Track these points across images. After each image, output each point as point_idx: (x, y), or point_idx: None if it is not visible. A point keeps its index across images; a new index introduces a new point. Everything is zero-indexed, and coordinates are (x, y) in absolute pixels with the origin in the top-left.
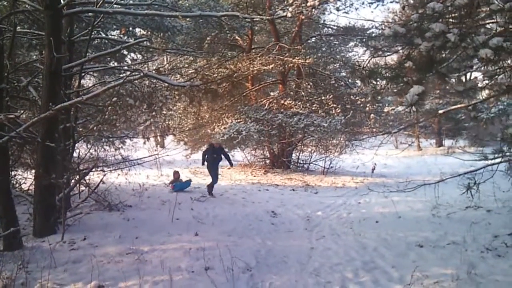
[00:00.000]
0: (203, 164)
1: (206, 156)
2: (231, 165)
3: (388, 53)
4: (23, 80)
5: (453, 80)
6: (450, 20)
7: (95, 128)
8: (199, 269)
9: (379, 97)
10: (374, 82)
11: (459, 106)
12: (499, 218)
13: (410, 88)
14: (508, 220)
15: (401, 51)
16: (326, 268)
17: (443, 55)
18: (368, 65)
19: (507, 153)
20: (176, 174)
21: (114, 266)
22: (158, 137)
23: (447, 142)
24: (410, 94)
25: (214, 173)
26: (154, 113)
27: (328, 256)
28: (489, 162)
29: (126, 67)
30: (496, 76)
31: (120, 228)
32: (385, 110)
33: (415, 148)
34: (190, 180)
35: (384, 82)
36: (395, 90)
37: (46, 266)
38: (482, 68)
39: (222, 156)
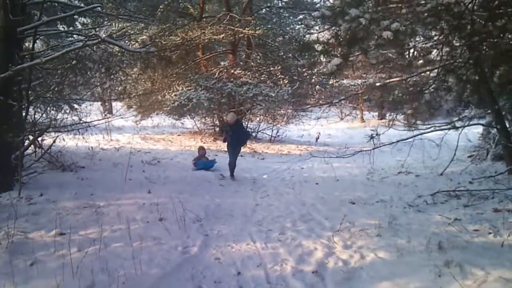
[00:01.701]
0: (224, 141)
1: (227, 135)
2: (243, 144)
3: (320, 31)
4: None
5: (392, 55)
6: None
7: (55, 89)
8: (153, 220)
9: (315, 69)
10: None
11: (394, 79)
12: (425, 182)
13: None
14: (432, 183)
15: (331, 29)
16: (268, 219)
17: (361, 34)
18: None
19: (437, 124)
20: (202, 150)
21: (73, 218)
22: (106, 103)
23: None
24: (330, 64)
25: (230, 151)
26: (112, 77)
27: (271, 210)
28: (419, 132)
29: (77, 32)
30: (430, 54)
31: (75, 187)
32: (330, 82)
33: (358, 120)
34: (214, 160)
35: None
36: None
37: (8, 217)
38: (420, 45)
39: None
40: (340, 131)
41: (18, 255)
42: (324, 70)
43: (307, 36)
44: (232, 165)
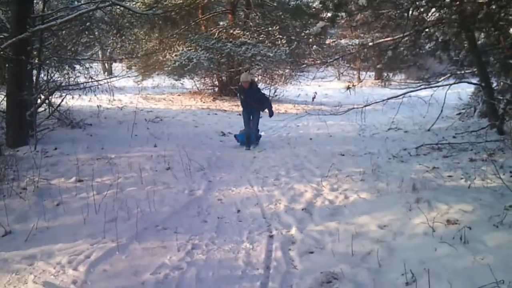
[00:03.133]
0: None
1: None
2: (271, 114)
3: None
4: None
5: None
6: None
7: (71, 49)
8: (161, 169)
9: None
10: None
11: (386, 39)
12: (412, 137)
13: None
14: (419, 138)
15: None
16: (265, 169)
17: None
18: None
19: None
20: None
21: (88, 167)
22: (106, 64)
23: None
24: (316, 27)
25: (245, 119)
26: (123, 38)
27: (267, 161)
28: (409, 89)
29: None
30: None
31: (86, 141)
32: (327, 42)
33: (355, 80)
34: (260, 135)
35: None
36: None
37: (29, 168)
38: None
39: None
40: (337, 91)
41: (45, 197)
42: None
43: None
44: (247, 135)
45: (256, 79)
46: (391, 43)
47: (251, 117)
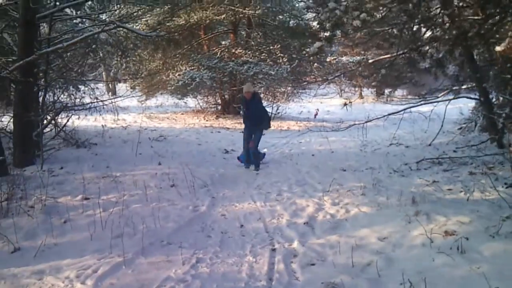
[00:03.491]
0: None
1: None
2: (266, 126)
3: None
4: None
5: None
6: None
7: (77, 70)
8: (166, 186)
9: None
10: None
11: (382, 57)
12: (413, 152)
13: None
14: (420, 153)
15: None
16: (267, 184)
17: (339, 22)
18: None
19: (427, 98)
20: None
21: (94, 185)
22: (110, 85)
23: (388, 92)
24: (313, 47)
25: (245, 135)
26: (128, 59)
27: (269, 177)
28: (410, 105)
29: (88, 16)
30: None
31: (91, 160)
32: (328, 59)
33: (357, 97)
34: (264, 153)
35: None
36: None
37: (36, 186)
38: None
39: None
40: (339, 107)
41: (52, 215)
42: (308, 50)
43: (304, 16)
44: (247, 151)
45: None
46: (387, 61)
47: (252, 136)
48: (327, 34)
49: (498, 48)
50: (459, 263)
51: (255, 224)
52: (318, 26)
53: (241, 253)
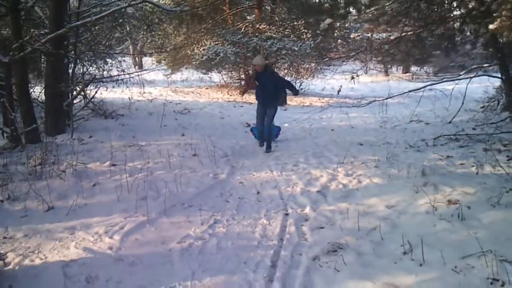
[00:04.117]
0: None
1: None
2: (281, 103)
3: None
4: (29, 1)
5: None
6: None
7: (105, 44)
8: (188, 155)
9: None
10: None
11: (408, 33)
12: (432, 128)
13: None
14: (439, 130)
15: None
16: (285, 156)
17: None
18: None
19: (448, 76)
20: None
21: (121, 153)
22: (136, 58)
23: (415, 69)
24: (323, 23)
25: (258, 113)
26: (152, 33)
27: (288, 149)
28: (430, 83)
29: None
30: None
31: (118, 130)
32: (352, 36)
33: (383, 74)
34: (279, 128)
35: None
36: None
37: (67, 153)
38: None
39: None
40: (364, 84)
41: (82, 179)
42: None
43: None
44: (259, 129)
45: (282, 73)
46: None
47: (266, 112)
48: (341, 11)
49: (491, 26)
50: (458, 228)
51: (271, 191)
52: (329, 3)
53: (256, 216)
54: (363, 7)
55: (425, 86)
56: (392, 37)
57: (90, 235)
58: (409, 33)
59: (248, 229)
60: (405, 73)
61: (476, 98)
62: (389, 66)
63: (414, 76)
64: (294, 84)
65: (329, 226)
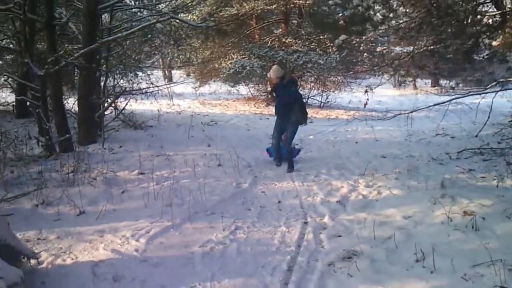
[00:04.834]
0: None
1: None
2: (302, 120)
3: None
4: (64, 17)
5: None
6: None
7: (134, 58)
8: (213, 165)
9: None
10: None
11: (434, 47)
12: (457, 142)
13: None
14: (464, 143)
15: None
16: (307, 167)
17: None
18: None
19: (474, 89)
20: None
21: (149, 162)
22: (166, 71)
23: (444, 83)
24: (338, 40)
25: (276, 128)
26: (180, 48)
27: (310, 161)
28: (456, 96)
29: (145, 7)
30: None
31: (147, 141)
32: (378, 49)
33: (411, 87)
34: (298, 149)
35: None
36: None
37: (98, 161)
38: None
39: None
40: (391, 97)
41: (112, 186)
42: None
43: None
44: (277, 146)
45: (309, 86)
46: (437, 51)
47: (284, 126)
48: (357, 28)
49: (494, 43)
50: (471, 239)
51: (292, 200)
52: (342, 19)
53: (276, 224)
54: (378, 23)
55: (450, 100)
56: (405, 51)
57: (118, 238)
58: (429, 47)
59: (268, 235)
60: (434, 86)
61: (504, 112)
62: (404, 79)
63: (442, 90)
64: (305, 106)
65: (346, 235)
